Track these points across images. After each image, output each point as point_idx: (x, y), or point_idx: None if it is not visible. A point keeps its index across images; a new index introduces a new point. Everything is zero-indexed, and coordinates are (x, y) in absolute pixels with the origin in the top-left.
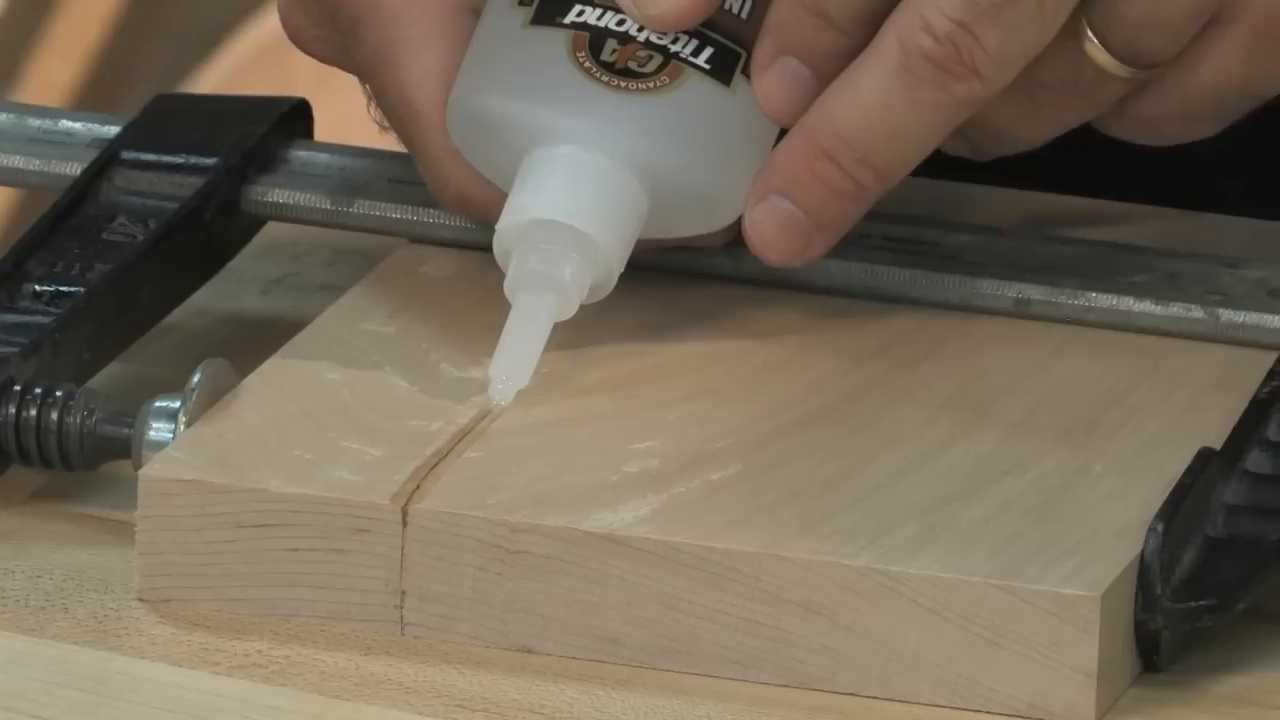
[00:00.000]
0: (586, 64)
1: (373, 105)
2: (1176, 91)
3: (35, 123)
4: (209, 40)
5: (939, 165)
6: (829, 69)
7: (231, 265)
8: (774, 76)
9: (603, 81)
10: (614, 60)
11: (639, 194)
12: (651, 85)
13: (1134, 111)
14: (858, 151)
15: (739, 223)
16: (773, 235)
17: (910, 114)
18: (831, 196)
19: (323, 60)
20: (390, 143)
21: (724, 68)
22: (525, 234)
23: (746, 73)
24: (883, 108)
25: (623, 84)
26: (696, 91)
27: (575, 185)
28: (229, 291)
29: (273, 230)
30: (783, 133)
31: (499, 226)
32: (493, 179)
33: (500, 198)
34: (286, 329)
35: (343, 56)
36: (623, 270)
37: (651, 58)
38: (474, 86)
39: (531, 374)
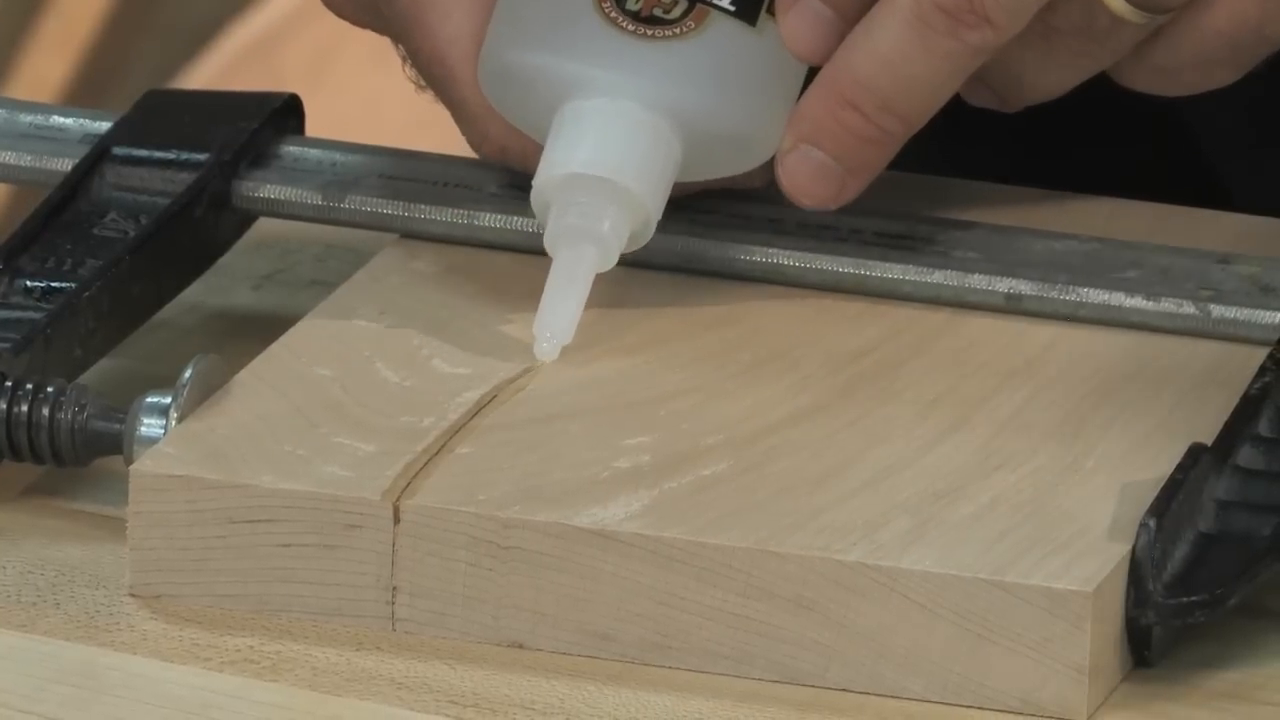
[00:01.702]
0: (612, 14)
1: (407, 65)
2: (1192, 36)
3: (27, 118)
4: (200, 37)
5: (932, 162)
6: (851, 8)
7: (223, 261)
8: (797, 17)
9: (629, 31)
10: (639, 9)
11: (672, 140)
12: (678, 31)
13: (1151, 59)
14: (879, 99)
15: (774, 162)
16: (806, 183)
17: (926, 62)
18: (858, 143)
19: (355, 24)
20: (382, 137)
21: (749, 8)
22: (562, 188)
23: (772, 11)
24: (899, 57)
25: (649, 32)
26: (723, 34)
27: (608, 137)
28: (220, 287)
29: (264, 226)
30: (812, 71)
31: (535, 182)
32: (527, 132)
33: (539, 149)
34: (278, 325)
35: (374, 19)
36: (660, 217)
37: (676, 3)
38: (502, 42)
39: (574, 329)
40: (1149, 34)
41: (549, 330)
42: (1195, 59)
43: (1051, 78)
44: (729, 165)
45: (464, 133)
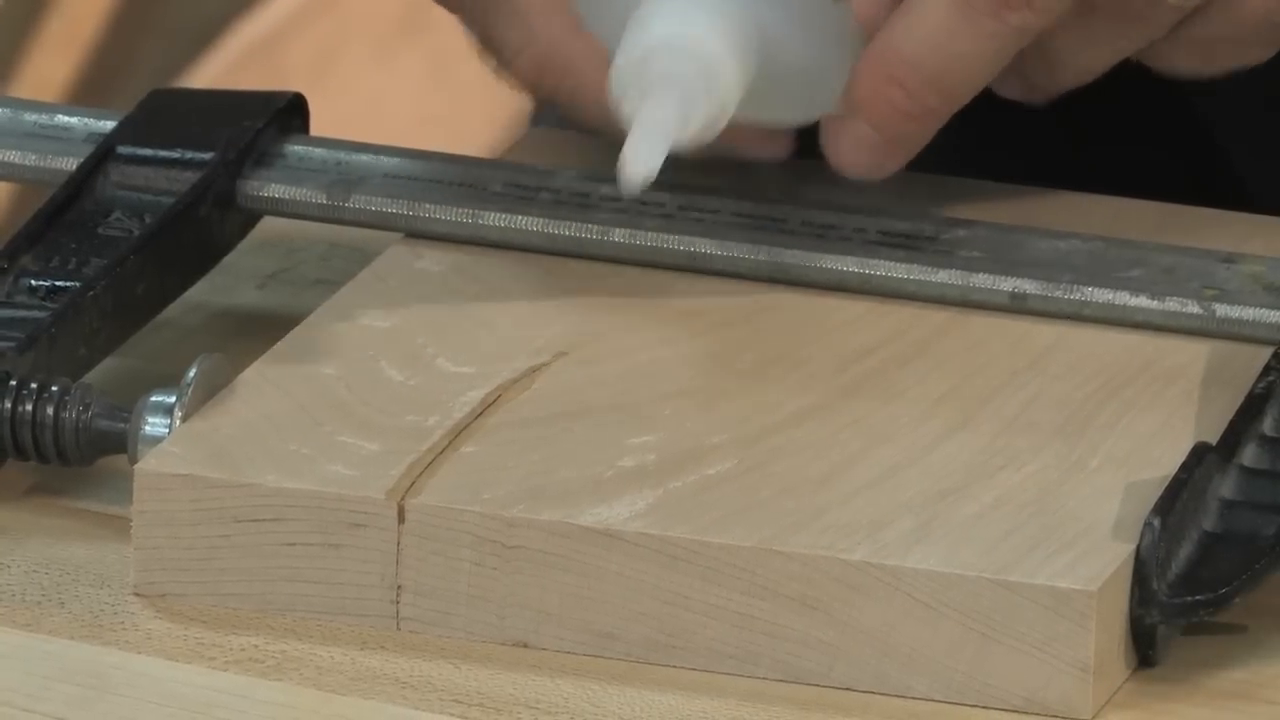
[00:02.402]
0: None
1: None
2: (1228, 15)
3: (31, 118)
4: (203, 36)
5: (937, 160)
6: None
7: (227, 260)
8: None
9: None
10: None
11: (751, 48)
12: None
13: (1186, 34)
14: (923, 77)
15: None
16: (850, 154)
17: (970, 43)
18: (902, 119)
19: None
20: (385, 136)
21: None
22: (647, 56)
23: None
24: (945, 36)
25: None
26: None
27: (694, 16)
28: (225, 286)
29: (269, 225)
30: None
31: (616, 62)
32: (600, 36)
33: (583, 63)
34: (282, 324)
35: None
36: (730, 114)
37: None
38: None
39: (659, 166)
40: (1185, 14)
41: (638, 158)
42: (1231, 36)
43: (1087, 58)
44: (787, 110)
45: (505, 36)
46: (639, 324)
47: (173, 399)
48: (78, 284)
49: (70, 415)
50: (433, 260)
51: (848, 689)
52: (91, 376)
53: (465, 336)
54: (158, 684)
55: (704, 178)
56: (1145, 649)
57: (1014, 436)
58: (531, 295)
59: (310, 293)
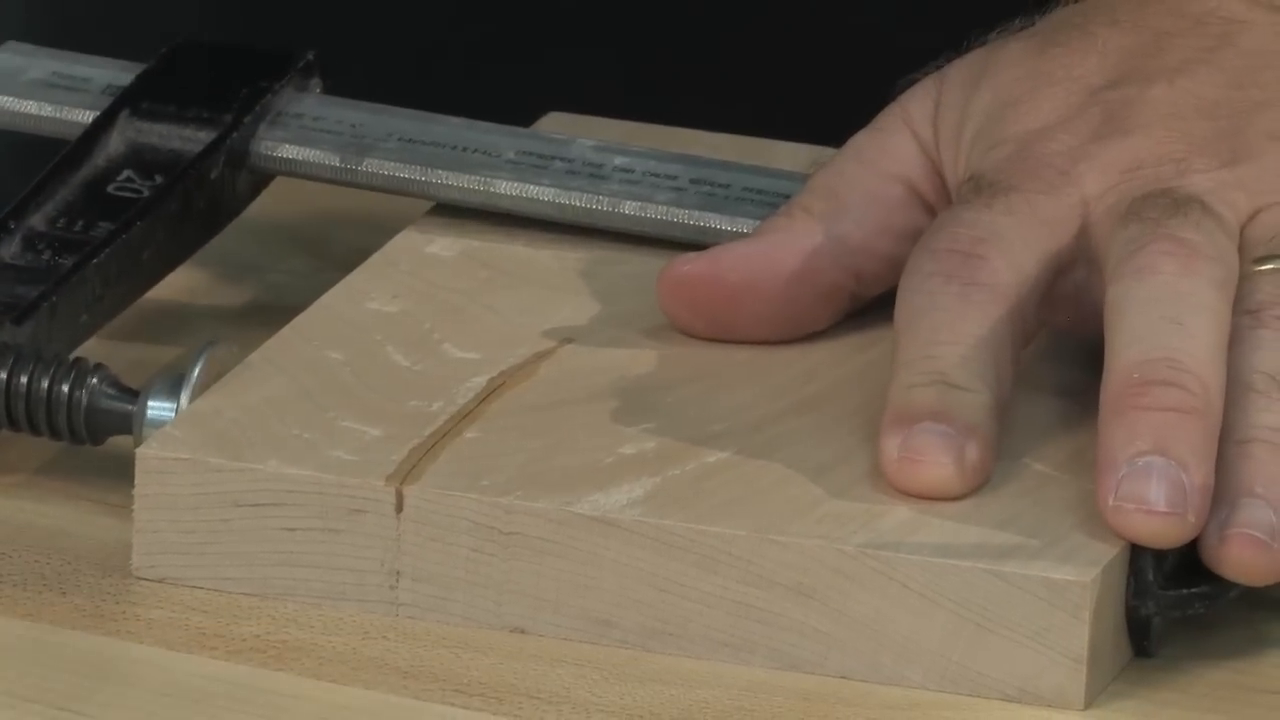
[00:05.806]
0: None
1: None
2: None
3: (51, 66)
4: None
5: None
6: None
7: (235, 245)
8: None
9: None
10: None
11: None
12: None
13: None
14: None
15: None
16: None
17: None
18: None
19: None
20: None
21: None
22: None
23: None
24: None
25: None
26: None
27: None
28: (232, 270)
29: (279, 209)
30: None
31: None
32: None
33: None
34: (290, 308)
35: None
36: None
37: None
38: None
39: None
40: None
41: None
42: None
43: None
44: None
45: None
46: (645, 311)
47: (178, 382)
48: (84, 246)
49: (80, 394)
50: (444, 245)
51: (843, 678)
52: (100, 357)
53: (473, 322)
54: (160, 673)
55: (717, 152)
56: (1141, 640)
57: (1011, 426)
58: (540, 281)
59: (319, 277)
